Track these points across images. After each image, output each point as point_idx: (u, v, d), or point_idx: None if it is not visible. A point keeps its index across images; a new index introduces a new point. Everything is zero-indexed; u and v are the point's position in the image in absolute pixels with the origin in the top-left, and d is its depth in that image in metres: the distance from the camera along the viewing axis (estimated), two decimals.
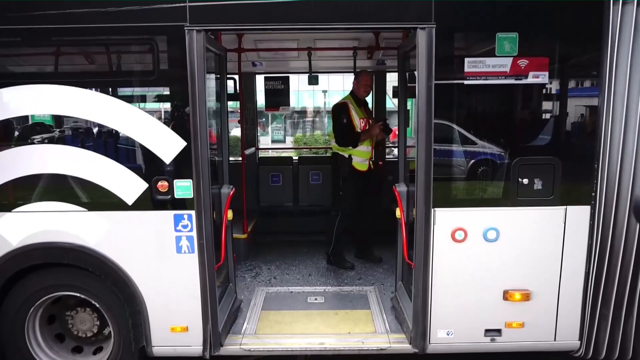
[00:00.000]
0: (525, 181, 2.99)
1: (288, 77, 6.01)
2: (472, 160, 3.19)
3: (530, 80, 2.92)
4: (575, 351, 3.24)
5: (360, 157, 4.70)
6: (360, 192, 4.83)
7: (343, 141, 4.61)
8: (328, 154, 6.01)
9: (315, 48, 4.89)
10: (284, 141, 22.20)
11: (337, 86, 17.97)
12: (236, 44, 4.68)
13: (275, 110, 6.38)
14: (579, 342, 3.19)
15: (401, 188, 3.45)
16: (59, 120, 3.11)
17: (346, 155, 4.65)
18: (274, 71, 6.06)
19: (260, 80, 6.17)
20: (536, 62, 2.90)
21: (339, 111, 4.65)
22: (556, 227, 3.04)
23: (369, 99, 5.15)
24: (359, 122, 4.65)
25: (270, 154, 9.05)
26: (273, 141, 21.56)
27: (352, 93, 4.77)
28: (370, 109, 4.84)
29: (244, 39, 4.69)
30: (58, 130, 3.12)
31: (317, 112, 24.77)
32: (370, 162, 4.85)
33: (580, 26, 2.93)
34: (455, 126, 3.12)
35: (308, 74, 5.48)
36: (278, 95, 5.96)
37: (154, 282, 3.11)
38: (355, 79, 4.77)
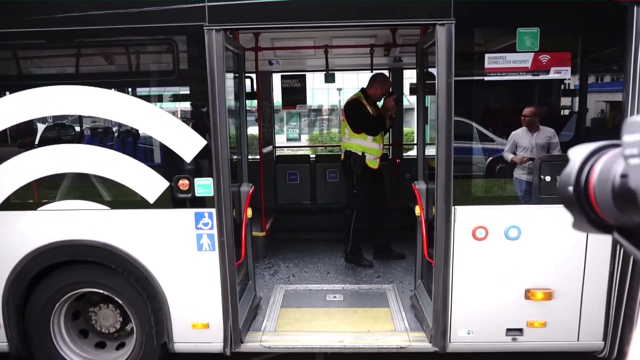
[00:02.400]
0: (548, 178, 2.94)
1: (305, 75, 6.01)
2: (490, 158, 3.16)
3: (551, 75, 2.87)
4: (599, 352, 3.18)
5: (373, 154, 4.70)
6: (372, 189, 4.84)
7: (373, 130, 4.63)
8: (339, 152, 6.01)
9: (331, 46, 4.88)
10: (299, 139, 22.21)
11: (352, 84, 17.90)
12: (253, 42, 4.69)
13: (292, 109, 6.40)
14: (603, 342, 3.13)
15: (420, 186, 3.43)
16: (82, 120, 3.17)
17: (360, 153, 4.64)
18: (290, 69, 6.07)
19: (276, 79, 6.19)
20: (558, 58, 2.85)
21: (357, 106, 4.66)
22: None
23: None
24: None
25: (286, 152, 9.07)
26: (288, 139, 21.59)
27: (363, 91, 4.76)
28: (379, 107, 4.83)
29: (260, 38, 4.70)
30: (81, 130, 3.18)
31: (331, 110, 24.73)
32: (380, 161, 4.87)
33: (603, 19, 2.87)
34: (473, 123, 3.09)
35: (324, 72, 5.47)
36: (295, 93, 5.97)
37: (176, 279, 3.15)
38: (376, 82, 4.74)
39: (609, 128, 3.07)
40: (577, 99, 3.02)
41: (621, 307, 3.03)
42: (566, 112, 3.15)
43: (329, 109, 24.27)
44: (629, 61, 2.74)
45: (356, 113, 4.64)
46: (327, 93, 22.94)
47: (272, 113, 6.34)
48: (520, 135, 3.09)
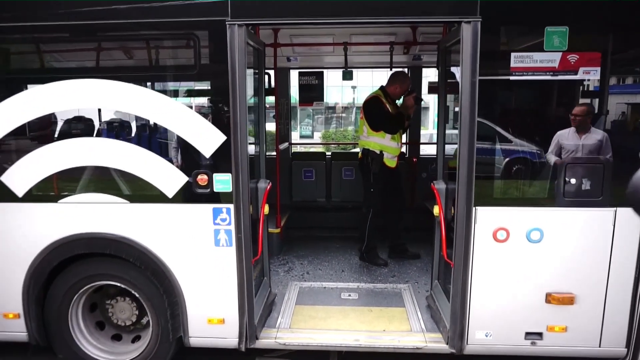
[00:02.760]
0: (573, 181, 2.88)
1: (322, 72, 5.99)
2: (507, 158, 3.10)
3: (580, 76, 2.81)
4: (621, 359, 3.12)
5: (391, 153, 4.67)
6: (389, 188, 4.81)
7: (392, 128, 4.59)
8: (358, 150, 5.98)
9: (351, 43, 4.84)
10: (312, 137, 22.23)
11: (366, 82, 17.85)
12: (272, 38, 4.68)
13: (309, 105, 6.39)
14: (626, 349, 3.07)
15: (440, 185, 3.38)
16: (102, 114, 3.18)
17: (377, 152, 4.61)
18: (308, 66, 6.05)
19: (294, 76, 6.17)
20: (587, 57, 2.78)
21: (377, 104, 4.62)
22: (604, 229, 2.92)
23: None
24: None
25: (300, 149, 9.06)
26: (301, 136, 21.62)
27: (383, 89, 4.73)
28: (398, 106, 4.79)
29: (279, 34, 4.68)
30: (102, 123, 3.19)
31: (345, 107, 24.68)
32: (397, 159, 4.83)
33: (634, 18, 2.79)
34: (490, 123, 3.01)
35: (342, 70, 5.44)
36: (312, 90, 5.95)
37: (192, 274, 3.16)
38: (396, 80, 4.70)
39: (629, 130, 3.00)
40: (608, 100, 2.94)
41: None
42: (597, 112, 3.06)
43: (342, 107, 24.24)
44: None
45: (375, 111, 4.61)
46: (340, 91, 22.93)
47: (289, 110, 6.33)
48: (566, 136, 2.95)
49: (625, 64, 2.94)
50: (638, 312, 2.98)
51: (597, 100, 3.00)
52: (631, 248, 2.92)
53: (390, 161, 4.69)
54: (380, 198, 4.76)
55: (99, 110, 3.16)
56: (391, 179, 4.81)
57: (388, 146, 4.62)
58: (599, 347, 3.08)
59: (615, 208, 2.89)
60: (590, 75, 2.80)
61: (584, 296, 3.00)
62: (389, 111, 4.59)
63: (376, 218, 4.78)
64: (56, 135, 3.13)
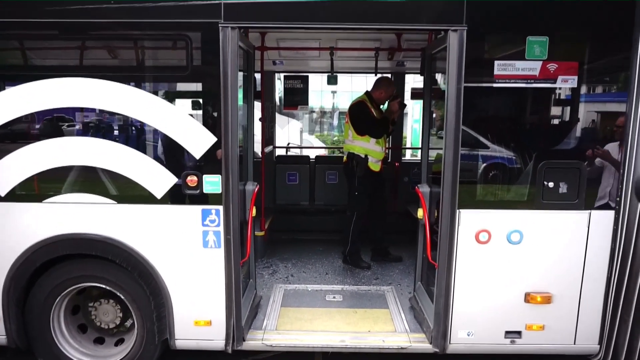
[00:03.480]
0: (551, 185, 3.01)
1: (307, 76, 6.04)
2: (485, 164, 3.21)
3: (559, 84, 2.94)
4: (594, 355, 3.26)
5: (375, 157, 4.75)
6: (373, 192, 4.88)
7: (377, 132, 4.66)
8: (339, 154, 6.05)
9: (337, 48, 4.92)
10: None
11: (346, 87, 17.98)
12: (259, 42, 4.71)
13: (293, 109, 6.42)
14: (599, 346, 3.21)
15: (424, 189, 3.47)
16: (92, 113, 3.15)
17: (362, 155, 4.69)
18: (293, 70, 6.10)
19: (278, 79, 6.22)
20: (565, 66, 2.92)
21: (362, 108, 4.70)
22: (580, 231, 3.06)
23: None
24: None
25: (285, 152, 9.07)
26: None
27: (368, 94, 4.81)
28: (383, 111, 4.88)
29: (266, 38, 4.72)
30: (89, 123, 3.16)
31: (323, 112, 24.77)
32: (382, 164, 4.91)
33: (610, 30, 2.95)
34: (468, 129, 3.10)
35: (328, 74, 5.51)
36: (296, 94, 6.00)
37: (180, 276, 3.15)
38: (381, 85, 4.79)
39: (599, 138, 3.15)
40: (584, 107, 3.08)
41: (617, 311, 3.11)
42: (574, 120, 3.20)
43: (322, 112, 24.33)
44: (634, 69, 2.83)
45: (361, 115, 4.69)
46: (320, 95, 23.00)
47: (273, 113, 6.35)
48: (612, 149, 3.03)
49: (602, 73, 3.09)
50: (610, 310, 3.13)
51: (580, 107, 3.13)
52: (604, 249, 3.07)
53: (375, 165, 4.77)
54: (364, 202, 4.83)
55: (89, 109, 3.13)
56: (375, 183, 4.90)
57: (373, 150, 4.70)
58: (574, 344, 3.21)
59: (589, 211, 3.04)
60: (568, 84, 2.95)
61: (560, 295, 3.13)
62: (374, 116, 4.68)
63: (360, 221, 4.84)
64: (42, 134, 3.08)
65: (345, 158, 4.87)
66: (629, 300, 3.09)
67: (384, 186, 5.19)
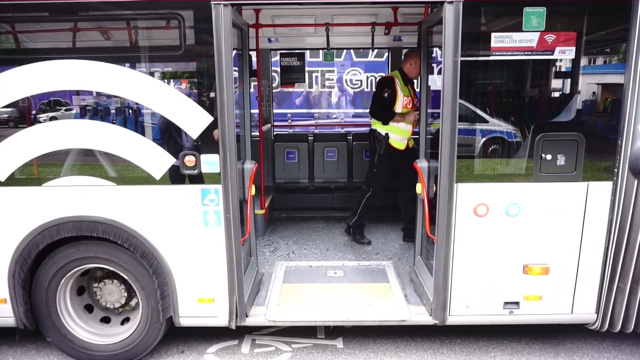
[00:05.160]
0: (549, 157, 3.01)
1: (304, 53, 5.98)
2: (484, 138, 3.21)
3: (556, 55, 2.91)
4: (591, 324, 3.32)
5: (399, 135, 4.63)
6: (394, 170, 4.78)
7: (376, 114, 4.59)
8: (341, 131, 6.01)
9: (332, 24, 4.85)
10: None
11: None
12: (253, 19, 4.65)
13: (290, 87, 6.37)
14: (595, 314, 3.26)
15: (422, 164, 3.48)
16: (87, 95, 3.14)
17: (383, 133, 4.61)
18: (289, 47, 6.03)
19: (275, 57, 6.15)
20: (563, 37, 2.88)
21: (384, 84, 4.58)
22: (577, 203, 3.08)
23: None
24: (402, 100, 4.56)
25: (284, 130, 9.04)
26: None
27: (401, 70, 4.66)
28: (416, 89, 4.66)
29: (261, 15, 4.66)
30: (87, 105, 3.15)
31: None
32: (409, 141, 4.75)
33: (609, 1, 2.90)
34: (467, 103, 3.09)
35: (325, 50, 5.45)
36: (293, 71, 5.94)
37: (181, 255, 3.19)
38: (410, 57, 4.60)
39: (600, 110, 3.14)
40: (582, 79, 3.06)
41: (614, 280, 3.17)
42: (572, 92, 3.18)
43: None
44: (632, 41, 2.79)
45: (378, 89, 4.59)
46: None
47: (270, 91, 6.31)
48: None
49: (599, 44, 3.05)
50: (607, 279, 3.17)
51: (578, 79, 3.10)
52: (601, 220, 3.09)
53: (398, 143, 4.64)
54: (381, 180, 4.76)
55: (84, 92, 3.11)
56: (400, 161, 4.71)
57: (396, 127, 4.59)
58: (571, 313, 3.26)
59: (587, 182, 3.05)
60: (566, 55, 2.91)
61: (558, 266, 3.17)
62: (384, 95, 4.52)
63: (373, 199, 4.81)
64: (39, 118, 3.08)
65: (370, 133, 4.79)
66: (626, 269, 3.14)
67: (410, 164, 4.99)
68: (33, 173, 3.09)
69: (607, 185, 3.05)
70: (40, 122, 3.07)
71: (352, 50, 12.16)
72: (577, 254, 3.15)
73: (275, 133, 6.51)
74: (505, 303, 3.25)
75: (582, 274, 3.19)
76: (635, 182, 2.98)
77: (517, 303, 3.25)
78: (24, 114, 3.09)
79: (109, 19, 3.02)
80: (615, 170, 3.00)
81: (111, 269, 3.30)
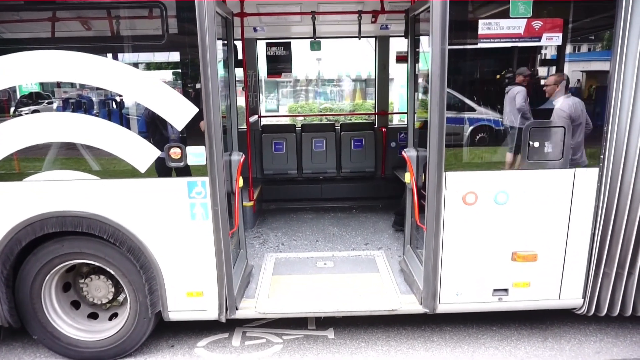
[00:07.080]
0: (536, 144, 3.02)
1: (290, 42, 5.90)
2: (471, 127, 3.20)
3: (544, 42, 2.91)
4: (578, 308, 3.37)
5: None
6: None
7: None
8: (326, 122, 5.92)
9: (319, 12, 4.79)
10: (277, 110, 21.99)
11: (332, 54, 17.67)
12: (238, 8, 4.56)
13: (277, 77, 6.30)
14: (582, 299, 3.31)
15: (411, 153, 3.47)
16: (68, 87, 3.05)
17: None
18: (276, 37, 5.95)
19: (261, 47, 6.06)
20: (550, 24, 2.88)
21: None
22: (564, 189, 3.10)
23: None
24: None
25: (272, 121, 8.98)
26: (267, 110, 21.37)
27: None
28: None
29: (245, 4, 4.57)
30: (67, 98, 3.07)
31: (310, 80, 24.41)
32: None
33: None
34: (453, 91, 3.08)
35: (311, 40, 5.39)
36: (280, 61, 5.87)
37: (169, 249, 3.14)
38: None
39: (584, 98, 3.15)
40: (568, 66, 3.06)
41: (600, 266, 3.21)
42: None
43: (308, 80, 23.96)
44: (617, 28, 2.80)
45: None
46: (306, 63, 22.57)
47: (257, 82, 6.23)
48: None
49: (586, 30, 3.06)
50: (594, 265, 3.21)
51: (564, 65, 3.10)
52: (588, 206, 3.12)
53: None
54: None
55: (65, 84, 3.03)
56: None
57: None
58: (559, 298, 3.30)
59: (574, 169, 3.07)
60: (553, 42, 2.91)
61: (546, 253, 3.20)
62: None
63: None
64: (17, 111, 2.99)
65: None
66: (612, 254, 3.18)
67: None
68: (14, 168, 3.01)
69: (594, 172, 3.07)
70: (21, 115, 2.97)
71: None
72: (564, 240, 3.18)
73: (262, 124, 6.44)
74: (495, 290, 3.28)
75: (569, 260, 3.22)
76: (621, 168, 3.00)
77: (506, 290, 3.28)
78: (2, 106, 3.00)
79: (90, 7, 2.93)
80: (602, 156, 3.02)
81: (97, 264, 3.25)
